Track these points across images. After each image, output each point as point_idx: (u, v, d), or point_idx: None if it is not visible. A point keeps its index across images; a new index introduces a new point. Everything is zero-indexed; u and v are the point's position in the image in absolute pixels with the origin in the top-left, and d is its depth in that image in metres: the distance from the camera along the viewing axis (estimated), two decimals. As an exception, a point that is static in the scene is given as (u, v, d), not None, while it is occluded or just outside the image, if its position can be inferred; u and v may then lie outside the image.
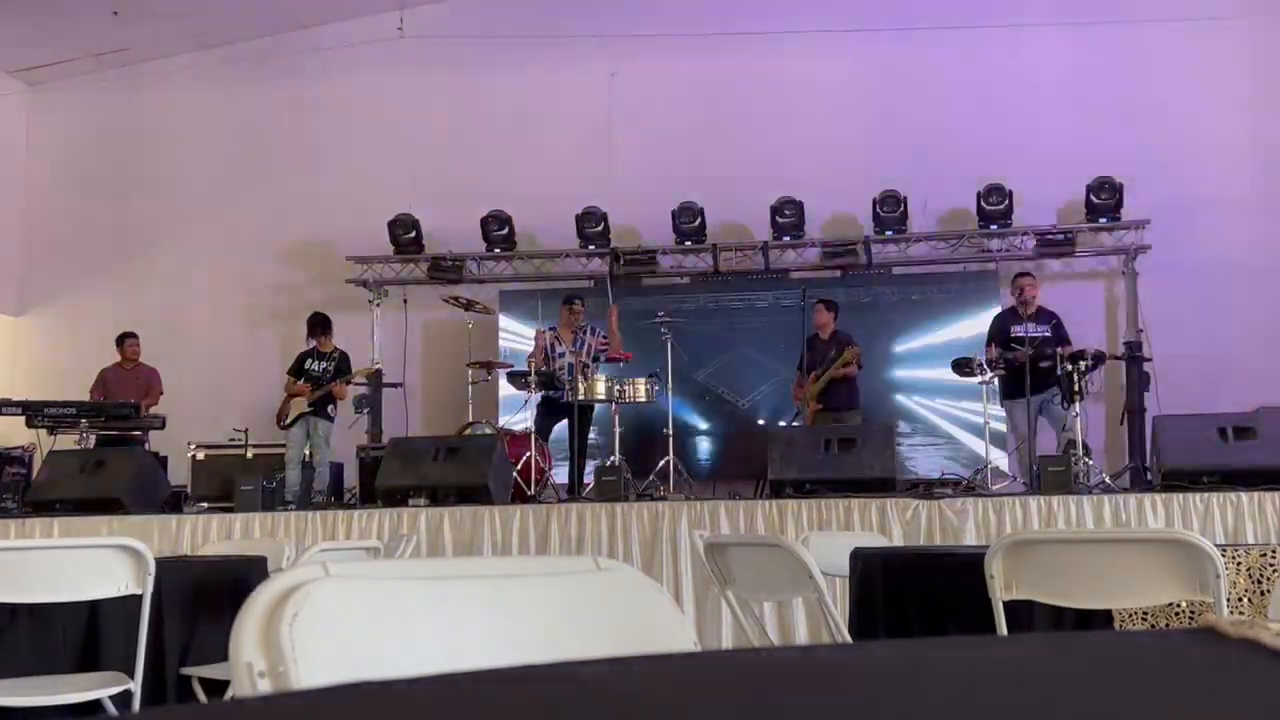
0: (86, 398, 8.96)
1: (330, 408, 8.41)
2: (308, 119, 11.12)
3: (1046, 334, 7.88)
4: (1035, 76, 10.01)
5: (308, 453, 8.32)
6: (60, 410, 8.59)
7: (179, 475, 8.99)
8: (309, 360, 8.45)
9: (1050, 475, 6.42)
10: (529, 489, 7.36)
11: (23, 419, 8.61)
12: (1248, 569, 3.31)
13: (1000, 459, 8.04)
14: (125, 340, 9.35)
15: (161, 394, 9.23)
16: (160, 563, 3.13)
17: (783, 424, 8.56)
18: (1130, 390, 8.86)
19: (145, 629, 3.07)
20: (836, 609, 3.27)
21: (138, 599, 3.07)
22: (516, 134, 10.64)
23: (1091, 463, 7.15)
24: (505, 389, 9.19)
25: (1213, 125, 9.72)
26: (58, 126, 11.79)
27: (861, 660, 0.70)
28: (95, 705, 2.98)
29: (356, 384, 8.98)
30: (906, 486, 6.47)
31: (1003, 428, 8.34)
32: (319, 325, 8.54)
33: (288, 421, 8.34)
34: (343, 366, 8.47)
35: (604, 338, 8.48)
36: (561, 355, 8.42)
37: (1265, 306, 9.30)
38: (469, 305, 8.97)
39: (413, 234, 10.25)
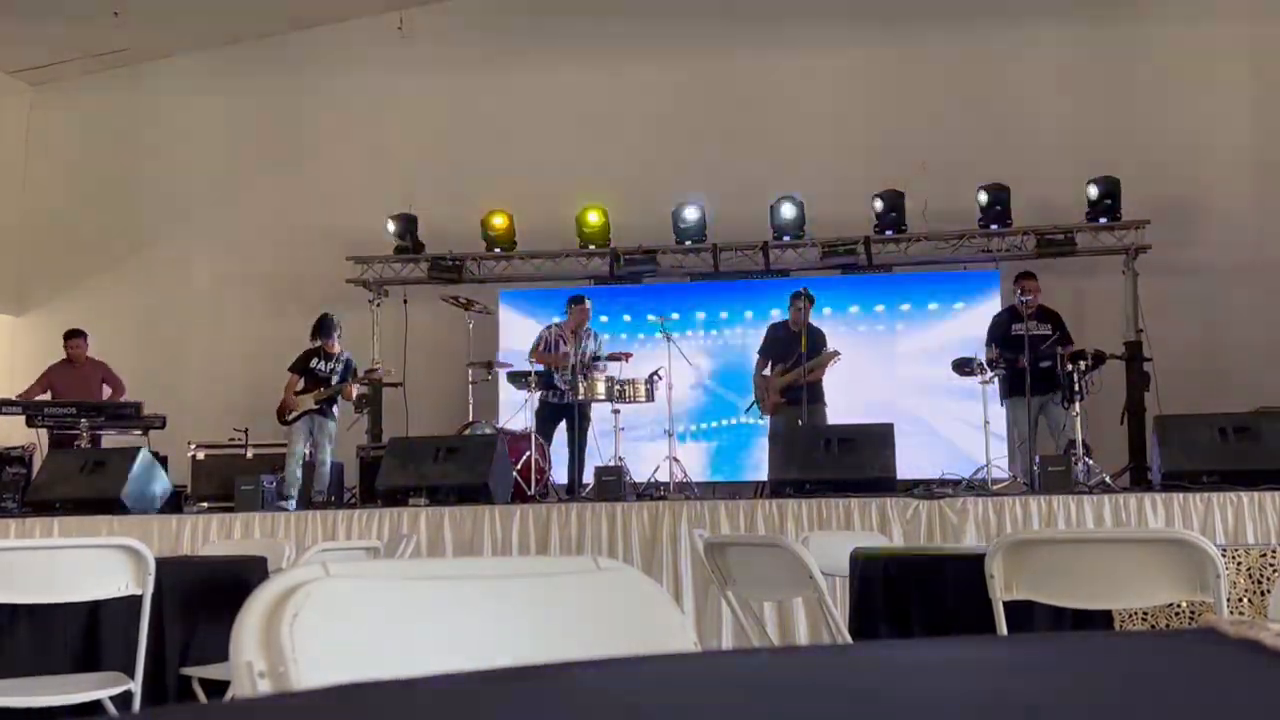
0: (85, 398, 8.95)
1: (335, 407, 8.41)
2: (307, 119, 11.12)
3: (1047, 333, 7.88)
4: (1035, 76, 10.01)
5: (309, 450, 8.32)
6: (60, 410, 8.59)
7: (179, 475, 8.99)
8: (315, 360, 8.42)
9: (1050, 475, 6.42)
10: (529, 489, 7.36)
11: (23, 419, 8.62)
12: (1248, 569, 3.31)
13: (1000, 459, 8.04)
14: (69, 339, 9.25)
15: (122, 383, 9.19)
16: (160, 563, 3.13)
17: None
18: (1130, 390, 8.85)
19: (145, 629, 3.07)
20: (836, 609, 3.28)
21: (138, 599, 3.07)
22: (517, 134, 10.63)
23: (1091, 463, 7.15)
24: (505, 389, 9.18)
25: (1213, 125, 9.71)
26: (58, 126, 11.79)
27: (861, 660, 0.70)
28: (95, 705, 2.98)
29: (356, 384, 8.98)
30: (906, 486, 6.46)
31: (1002, 428, 8.34)
32: (329, 328, 8.50)
33: (291, 417, 8.33)
34: (349, 368, 8.45)
35: (599, 346, 8.54)
36: (568, 357, 8.42)
37: (1265, 306, 9.29)
38: (469, 305, 8.96)
39: (413, 234, 10.26)
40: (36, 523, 6.72)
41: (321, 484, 8.26)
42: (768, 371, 8.35)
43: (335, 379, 8.31)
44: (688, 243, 9.97)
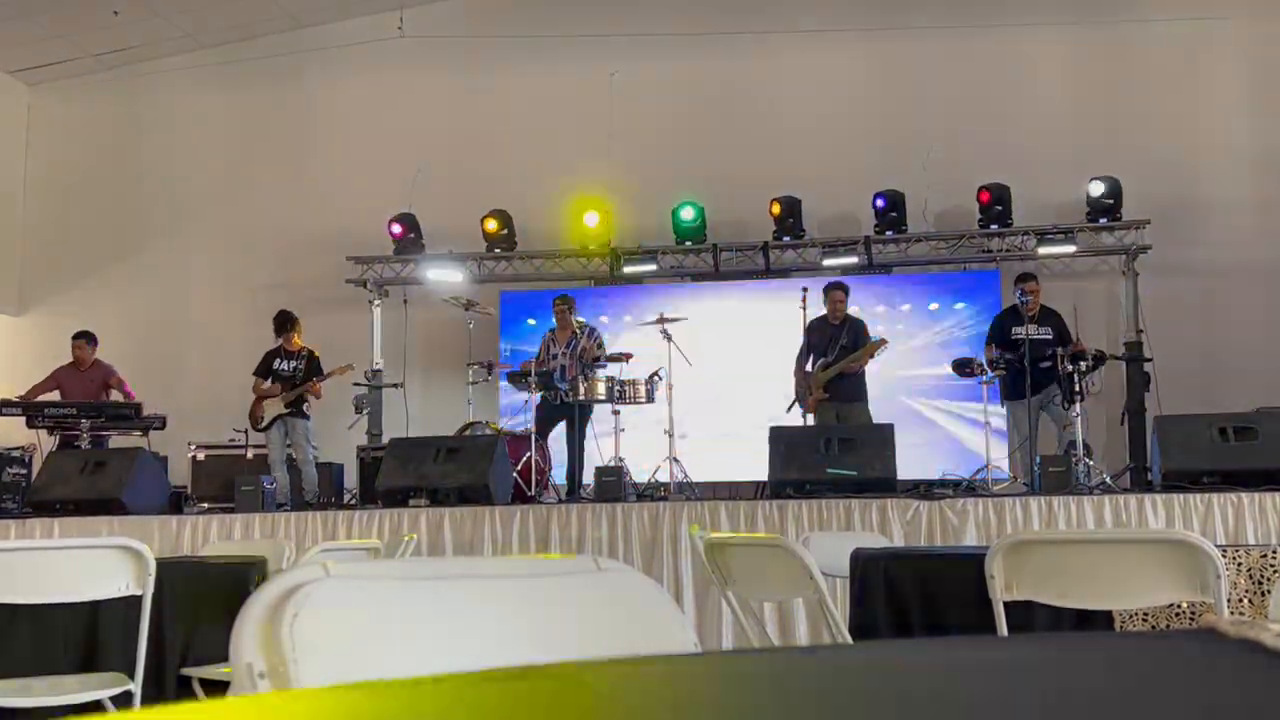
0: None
1: (305, 406, 8.37)
2: (308, 119, 11.12)
3: (1048, 336, 7.87)
4: (1035, 76, 10.01)
5: (290, 453, 8.31)
6: (61, 411, 8.59)
7: (179, 475, 8.98)
8: (277, 360, 8.42)
9: (1050, 475, 6.42)
10: (529, 489, 7.36)
11: (23, 419, 8.61)
12: (1248, 569, 3.31)
13: (1000, 459, 8.04)
14: (74, 341, 9.22)
15: (128, 389, 9.16)
16: (160, 563, 3.13)
17: (780, 422, 8.49)
18: (1130, 390, 8.86)
19: (145, 629, 3.07)
20: (836, 609, 3.27)
21: (138, 599, 3.07)
22: (516, 134, 10.63)
23: (1092, 463, 7.15)
24: (505, 389, 9.18)
25: (1213, 125, 9.71)
26: (58, 126, 11.79)
27: (861, 660, 0.70)
28: (95, 705, 2.98)
29: (356, 384, 8.97)
30: (907, 487, 6.46)
31: (1003, 427, 8.34)
32: (286, 323, 8.50)
33: (264, 424, 8.31)
34: (313, 364, 8.42)
35: (598, 342, 8.50)
36: (555, 357, 8.44)
37: (1265, 306, 9.30)
38: (469, 305, 8.97)
39: (413, 234, 10.26)
40: (37, 523, 6.72)
41: (310, 484, 8.23)
42: (810, 368, 8.26)
43: (299, 377, 8.29)
44: (688, 243, 9.98)
